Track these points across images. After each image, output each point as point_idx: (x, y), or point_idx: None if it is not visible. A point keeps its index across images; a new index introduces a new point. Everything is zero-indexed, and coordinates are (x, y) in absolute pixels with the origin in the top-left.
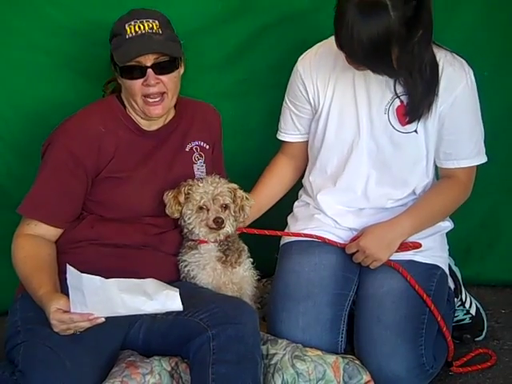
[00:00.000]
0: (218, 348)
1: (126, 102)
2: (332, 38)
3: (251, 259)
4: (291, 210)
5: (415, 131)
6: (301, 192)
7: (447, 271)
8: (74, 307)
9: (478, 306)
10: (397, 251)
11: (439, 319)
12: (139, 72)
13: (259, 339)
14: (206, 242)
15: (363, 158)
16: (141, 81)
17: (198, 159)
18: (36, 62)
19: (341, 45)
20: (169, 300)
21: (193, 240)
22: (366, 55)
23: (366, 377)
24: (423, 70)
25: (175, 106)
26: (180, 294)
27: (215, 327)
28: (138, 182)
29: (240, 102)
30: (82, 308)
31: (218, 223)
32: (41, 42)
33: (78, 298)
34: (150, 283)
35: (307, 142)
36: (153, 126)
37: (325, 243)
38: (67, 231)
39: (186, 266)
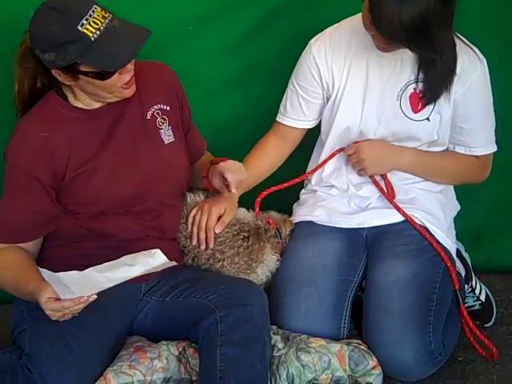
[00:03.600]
0: (226, 329)
1: (67, 92)
2: (344, 22)
3: None
4: (298, 198)
5: (427, 119)
6: (306, 180)
7: (454, 257)
8: (62, 296)
9: (488, 292)
10: (375, 182)
11: (454, 275)
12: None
13: (268, 320)
14: None
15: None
16: (118, 72)
17: (163, 123)
18: None
19: (380, 30)
20: (151, 258)
21: None
22: (408, 37)
23: (372, 362)
24: (443, 51)
25: None
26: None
27: (223, 308)
28: (107, 168)
29: (249, 88)
30: (71, 295)
31: None
32: None
33: (62, 289)
34: (127, 257)
35: (307, 130)
36: (98, 104)
37: (329, 230)
38: (65, 226)
39: None
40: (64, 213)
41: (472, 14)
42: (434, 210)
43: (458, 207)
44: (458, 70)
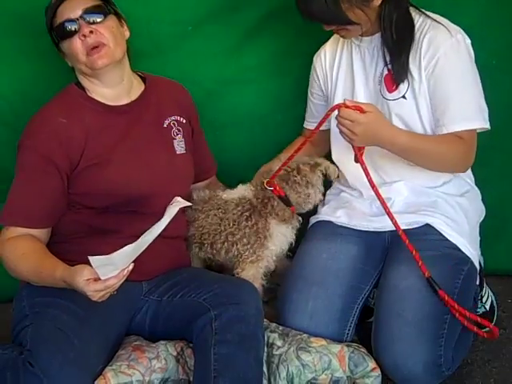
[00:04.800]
0: (220, 328)
1: (82, 82)
2: None
3: None
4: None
5: (403, 97)
6: (334, 181)
7: (477, 265)
8: (104, 277)
9: (493, 299)
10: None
11: (462, 319)
12: (71, 27)
13: (262, 317)
14: None
15: None
16: (76, 37)
17: (177, 134)
18: (44, 49)
19: (298, 8)
20: (175, 206)
21: None
22: (320, 10)
23: (372, 364)
24: (393, 30)
25: (144, 81)
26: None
27: (217, 307)
28: (120, 164)
29: (247, 88)
30: (113, 272)
31: None
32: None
33: (107, 270)
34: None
35: (327, 130)
36: (120, 101)
37: (348, 233)
38: (66, 222)
39: None
40: (68, 207)
41: (470, 18)
42: (455, 214)
43: (484, 211)
44: (424, 47)
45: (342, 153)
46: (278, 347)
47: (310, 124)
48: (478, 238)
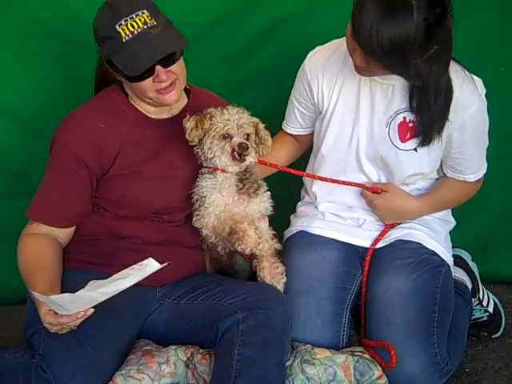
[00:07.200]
0: (247, 330)
1: (129, 93)
2: (341, 40)
3: (269, 193)
4: (294, 211)
5: (415, 149)
6: (303, 193)
7: (452, 270)
8: (59, 313)
9: (497, 301)
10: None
11: None
12: (148, 72)
13: (289, 324)
14: (224, 170)
15: (359, 165)
16: (151, 79)
17: None
18: (57, 50)
19: (358, 41)
20: (142, 270)
21: (209, 167)
22: (383, 54)
23: (378, 372)
24: (438, 93)
25: (188, 96)
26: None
27: (245, 311)
28: (152, 177)
29: (256, 91)
30: (67, 312)
31: (243, 149)
32: (61, 31)
33: (58, 308)
34: (118, 274)
35: (310, 133)
36: (161, 114)
37: (326, 240)
38: (87, 222)
39: (200, 189)
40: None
41: (478, 24)
42: (433, 224)
43: (454, 222)
44: (451, 108)
45: (331, 174)
46: None
47: (290, 128)
48: (451, 245)
